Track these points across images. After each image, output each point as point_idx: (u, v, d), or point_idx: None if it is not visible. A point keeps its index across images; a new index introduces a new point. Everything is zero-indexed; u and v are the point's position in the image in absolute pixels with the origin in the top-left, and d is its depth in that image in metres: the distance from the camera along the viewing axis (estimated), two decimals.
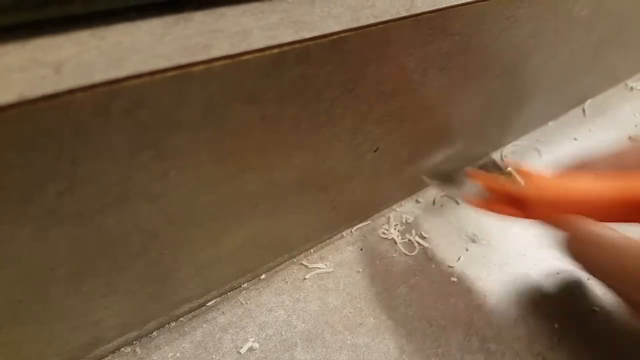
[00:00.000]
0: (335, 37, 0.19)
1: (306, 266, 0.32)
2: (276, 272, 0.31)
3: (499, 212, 0.30)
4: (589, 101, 0.52)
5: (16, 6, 0.14)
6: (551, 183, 0.28)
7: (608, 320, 0.29)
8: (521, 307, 0.30)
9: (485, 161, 0.37)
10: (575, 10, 0.32)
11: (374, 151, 0.28)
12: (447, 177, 0.35)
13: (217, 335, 0.27)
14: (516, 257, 0.34)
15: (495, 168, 0.31)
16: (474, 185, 0.33)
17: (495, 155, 0.43)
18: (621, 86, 0.55)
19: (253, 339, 0.27)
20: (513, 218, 0.29)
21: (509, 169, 0.33)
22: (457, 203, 0.35)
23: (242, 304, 0.29)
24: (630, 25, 0.44)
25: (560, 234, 0.26)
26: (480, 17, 0.24)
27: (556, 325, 0.28)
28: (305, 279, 0.31)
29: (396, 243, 0.34)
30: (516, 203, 0.29)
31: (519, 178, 0.29)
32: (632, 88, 0.55)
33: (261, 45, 0.17)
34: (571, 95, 0.48)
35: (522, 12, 0.27)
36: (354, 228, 0.35)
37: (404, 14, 0.21)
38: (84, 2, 0.15)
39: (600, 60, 0.45)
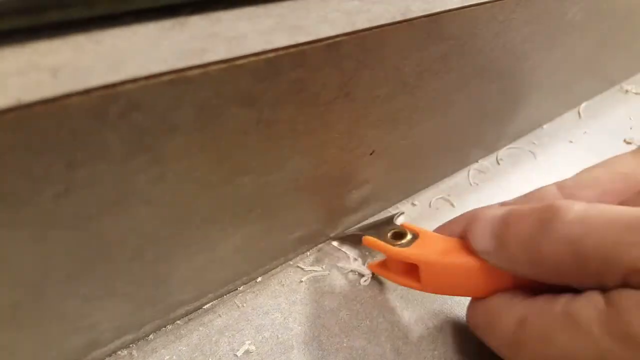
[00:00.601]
0: (330, 41, 0.19)
1: (302, 269, 0.32)
2: (272, 275, 0.31)
3: (396, 281, 0.28)
4: (584, 104, 0.52)
5: (14, 11, 0.14)
6: (438, 245, 0.26)
7: None
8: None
9: (380, 220, 0.35)
10: (569, 14, 0.32)
11: (370, 154, 0.28)
12: (356, 240, 0.33)
13: (214, 338, 0.27)
14: None
15: (389, 227, 0.29)
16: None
17: (490, 159, 0.43)
18: (616, 89, 0.55)
19: (249, 342, 0.27)
20: (412, 288, 0.27)
21: (398, 223, 0.31)
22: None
23: (238, 306, 0.29)
24: (625, 28, 0.44)
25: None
26: (475, 21, 0.25)
27: None
28: (301, 281, 0.31)
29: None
30: (410, 271, 0.27)
31: (409, 239, 0.27)
32: (627, 91, 0.55)
33: (257, 49, 0.17)
34: (566, 98, 0.48)
35: (516, 16, 0.27)
36: (351, 231, 0.35)
37: (399, 18, 0.21)
38: (82, 6, 0.15)
39: (596, 63, 0.46)
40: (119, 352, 0.26)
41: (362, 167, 0.29)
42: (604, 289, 0.18)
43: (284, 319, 0.29)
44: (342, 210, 0.32)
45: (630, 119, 0.50)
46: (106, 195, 0.17)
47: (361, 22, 0.20)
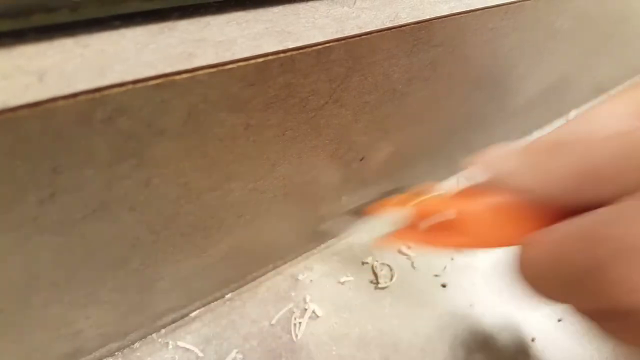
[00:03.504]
0: (320, 47, 0.19)
1: (291, 276, 0.31)
2: (261, 282, 0.31)
3: (435, 243, 0.24)
4: (573, 112, 0.52)
5: (0, 14, 0.14)
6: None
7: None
8: (507, 316, 0.30)
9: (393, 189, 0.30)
10: (558, 22, 0.33)
11: (360, 160, 0.28)
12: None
13: (201, 347, 0.27)
14: (502, 266, 0.34)
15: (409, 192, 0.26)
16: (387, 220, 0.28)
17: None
18: (604, 97, 0.56)
19: (237, 350, 0.27)
20: (452, 248, 0.24)
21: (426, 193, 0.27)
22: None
23: (225, 314, 0.29)
24: (613, 36, 0.45)
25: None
26: (464, 28, 0.25)
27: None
28: (290, 289, 0.31)
29: (382, 252, 0.34)
30: (453, 228, 0.23)
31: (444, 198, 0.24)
32: None
33: (245, 54, 0.17)
34: (555, 106, 0.49)
35: (505, 23, 0.27)
36: (341, 237, 0.35)
37: (389, 24, 0.21)
38: (69, 10, 0.15)
39: (584, 71, 0.46)
40: None
41: (352, 174, 0.29)
42: None
43: (272, 326, 0.28)
44: (332, 220, 0.32)
45: None
46: (91, 200, 0.17)
47: (350, 29, 0.20)
